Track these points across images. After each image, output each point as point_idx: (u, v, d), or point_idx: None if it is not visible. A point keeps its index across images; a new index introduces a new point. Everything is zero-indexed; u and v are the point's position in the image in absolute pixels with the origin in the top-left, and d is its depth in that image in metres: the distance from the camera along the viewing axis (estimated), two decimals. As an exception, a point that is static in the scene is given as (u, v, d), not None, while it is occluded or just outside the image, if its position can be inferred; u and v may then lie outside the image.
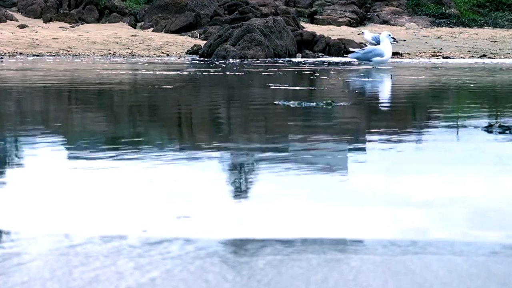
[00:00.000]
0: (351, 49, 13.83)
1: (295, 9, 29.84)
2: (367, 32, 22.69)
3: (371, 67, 13.14)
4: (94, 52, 22.29)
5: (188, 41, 25.26)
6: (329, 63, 18.28)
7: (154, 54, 22.11)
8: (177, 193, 2.87)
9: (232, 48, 20.10)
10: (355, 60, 13.63)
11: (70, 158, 3.79)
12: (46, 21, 28.15)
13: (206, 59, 19.97)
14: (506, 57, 22.24)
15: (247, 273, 1.88)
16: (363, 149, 4.24)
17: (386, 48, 12.96)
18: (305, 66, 16.29)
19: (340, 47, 22.05)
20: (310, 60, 19.95)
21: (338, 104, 6.68)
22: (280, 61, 19.03)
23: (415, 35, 27.88)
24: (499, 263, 1.98)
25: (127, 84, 10.43)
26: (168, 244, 2.13)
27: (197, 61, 18.63)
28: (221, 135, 4.91)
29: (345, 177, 3.29)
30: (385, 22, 30.72)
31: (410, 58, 21.74)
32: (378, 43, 20.65)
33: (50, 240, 2.17)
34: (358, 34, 23.70)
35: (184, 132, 5.21)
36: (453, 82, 11.75)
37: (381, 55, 13.08)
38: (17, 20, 27.46)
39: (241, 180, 3.19)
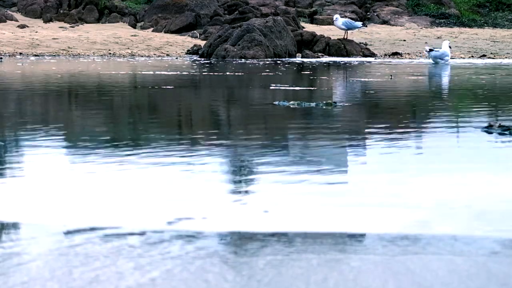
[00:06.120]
0: (432, 48, 18.46)
1: (295, 9, 29.81)
2: (339, 18, 22.92)
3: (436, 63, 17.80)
4: (94, 52, 22.28)
5: (188, 41, 25.25)
6: (329, 63, 18.29)
7: (154, 54, 22.10)
8: (176, 192, 2.87)
9: (232, 48, 20.09)
10: (431, 58, 18.15)
11: (70, 157, 3.79)
12: (46, 21, 28.13)
13: (206, 59, 19.96)
14: (506, 57, 22.22)
15: (247, 273, 1.88)
16: (363, 150, 4.24)
17: (448, 51, 18.15)
18: (305, 66, 16.29)
19: (340, 47, 22.02)
20: (310, 60, 19.94)
21: (339, 104, 6.68)
22: (280, 61, 19.03)
23: (415, 35, 27.86)
24: (499, 263, 1.98)
25: (127, 85, 10.42)
26: (168, 244, 2.13)
27: (197, 61, 18.63)
28: (221, 135, 4.91)
29: (344, 177, 3.29)
30: (385, 22, 30.70)
31: (410, 58, 21.73)
32: (348, 28, 21.45)
33: (50, 240, 2.17)
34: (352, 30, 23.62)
35: (183, 133, 5.20)
36: (452, 81, 11.75)
37: (447, 55, 18.02)
38: (17, 20, 27.44)
39: (240, 180, 3.19)
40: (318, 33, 23.00)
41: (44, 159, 3.70)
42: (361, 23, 24.09)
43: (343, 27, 22.62)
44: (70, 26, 27.48)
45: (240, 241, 2.20)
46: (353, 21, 24.44)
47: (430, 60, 18.35)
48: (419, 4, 32.35)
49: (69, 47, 22.89)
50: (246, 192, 2.93)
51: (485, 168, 3.52)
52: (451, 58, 18.66)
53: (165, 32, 27.21)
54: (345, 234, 2.28)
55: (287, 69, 14.91)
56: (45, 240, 2.17)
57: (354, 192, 2.92)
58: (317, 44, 22.14)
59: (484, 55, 22.76)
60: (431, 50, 18.19)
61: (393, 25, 30.25)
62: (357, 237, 2.24)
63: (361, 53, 22.14)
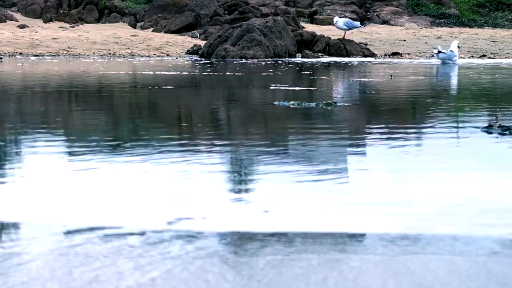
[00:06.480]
0: (440, 50, 19.10)
1: (295, 9, 29.81)
2: (340, 20, 23.02)
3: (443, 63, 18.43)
4: (94, 52, 22.27)
5: (188, 41, 25.25)
6: (329, 63, 18.29)
7: (154, 54, 22.10)
8: (176, 192, 2.87)
9: (232, 48, 20.09)
10: (440, 59, 18.91)
11: (70, 157, 3.79)
12: (46, 21, 28.13)
13: (206, 59, 19.95)
14: (506, 57, 22.22)
15: (247, 273, 1.88)
16: (363, 150, 4.24)
17: (456, 51, 18.73)
18: (305, 66, 16.29)
19: (340, 47, 22.02)
20: (310, 60, 19.93)
21: (339, 104, 6.68)
22: (280, 61, 19.03)
23: (415, 35, 27.85)
24: (499, 263, 1.98)
25: (128, 85, 10.42)
26: (168, 244, 2.13)
27: (197, 61, 18.63)
28: (221, 135, 4.91)
29: (344, 177, 3.29)
30: (385, 22, 30.70)
31: (410, 58, 21.72)
32: (350, 28, 22.67)
33: (50, 240, 2.17)
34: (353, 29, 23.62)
35: (183, 133, 5.20)
36: (452, 81, 11.75)
37: (455, 55, 18.65)
38: (17, 20, 27.44)
39: (240, 180, 3.19)
40: (318, 33, 23.00)
41: (44, 158, 3.70)
42: (359, 23, 24.24)
43: (345, 27, 22.67)
44: (70, 26, 27.48)
45: (240, 241, 2.20)
46: (353, 21, 24.50)
47: (438, 61, 18.84)
48: (419, 4, 32.35)
49: (69, 47, 22.89)
50: (246, 192, 2.93)
51: (485, 168, 3.52)
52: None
53: (165, 32, 27.21)
54: (345, 234, 2.28)
55: (287, 69, 14.91)
56: (45, 240, 2.17)
57: (354, 192, 2.92)
58: (317, 44, 22.14)
59: (484, 55, 22.76)
60: (439, 52, 18.88)
61: (393, 25, 30.25)
62: (357, 237, 2.24)
63: (361, 53, 22.14)
